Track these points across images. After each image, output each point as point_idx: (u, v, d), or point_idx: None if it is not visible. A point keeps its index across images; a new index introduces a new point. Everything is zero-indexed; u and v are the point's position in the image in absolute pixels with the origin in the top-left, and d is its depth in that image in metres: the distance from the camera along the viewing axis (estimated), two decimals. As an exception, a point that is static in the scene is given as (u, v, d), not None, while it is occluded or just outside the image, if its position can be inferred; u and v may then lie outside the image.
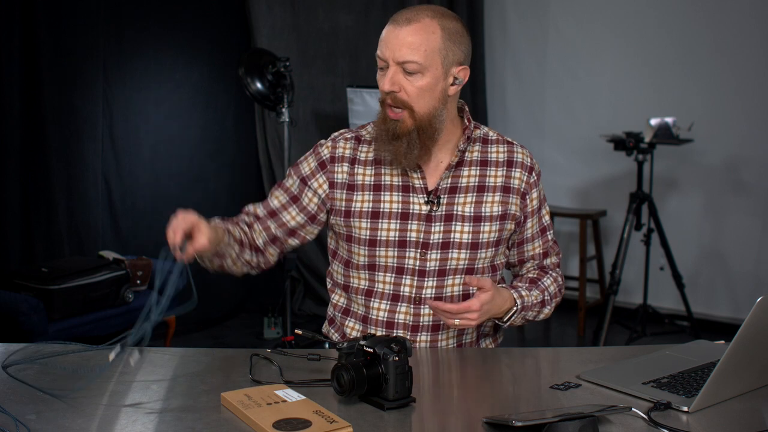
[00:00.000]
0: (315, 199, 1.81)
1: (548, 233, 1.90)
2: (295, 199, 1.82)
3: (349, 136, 1.84)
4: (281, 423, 1.26)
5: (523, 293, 1.79)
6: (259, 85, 4.17)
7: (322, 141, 1.85)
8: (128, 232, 4.34)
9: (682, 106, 4.51)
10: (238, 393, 1.38)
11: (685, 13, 4.62)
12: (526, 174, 1.82)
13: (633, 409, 1.33)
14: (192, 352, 1.66)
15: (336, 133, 1.86)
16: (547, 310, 1.87)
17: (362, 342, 1.41)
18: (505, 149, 1.83)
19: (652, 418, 1.31)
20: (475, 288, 1.68)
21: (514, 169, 1.81)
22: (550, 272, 1.90)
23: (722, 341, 1.75)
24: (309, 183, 1.81)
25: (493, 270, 1.82)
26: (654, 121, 4.13)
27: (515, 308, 1.76)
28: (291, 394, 1.38)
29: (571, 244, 5.16)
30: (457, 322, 1.65)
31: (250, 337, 4.52)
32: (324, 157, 1.81)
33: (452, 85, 1.72)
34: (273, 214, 1.82)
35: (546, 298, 1.85)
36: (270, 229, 1.82)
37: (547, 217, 1.90)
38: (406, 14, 1.68)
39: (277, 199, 1.83)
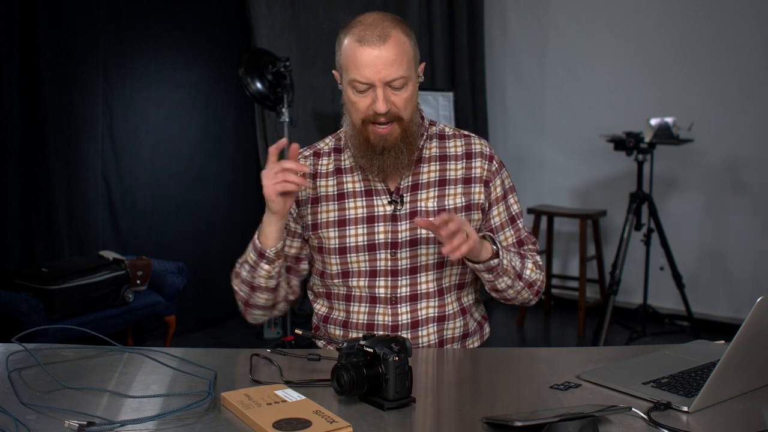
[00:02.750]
0: (293, 222, 1.83)
1: (519, 222, 1.89)
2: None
3: (307, 153, 1.86)
4: (281, 423, 1.26)
5: (503, 252, 1.75)
6: (259, 85, 4.17)
7: None
8: (128, 232, 4.34)
9: (682, 106, 4.51)
10: (238, 393, 1.38)
11: (685, 13, 4.62)
12: (487, 162, 1.84)
13: (633, 409, 1.33)
14: (192, 352, 1.66)
15: None
16: (519, 286, 1.81)
17: (362, 342, 1.41)
18: (463, 142, 1.86)
19: (652, 418, 1.31)
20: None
21: (473, 160, 1.84)
22: (529, 255, 1.86)
23: (722, 341, 1.75)
24: None
25: (463, 263, 1.79)
26: (654, 121, 4.13)
27: (496, 249, 1.72)
28: (291, 394, 1.38)
29: (571, 244, 5.16)
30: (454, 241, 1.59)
31: (250, 337, 4.52)
32: None
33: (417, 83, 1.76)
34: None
35: (526, 275, 1.81)
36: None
37: (516, 207, 1.88)
38: (373, 31, 1.67)
39: None
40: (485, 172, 1.83)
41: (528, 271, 1.82)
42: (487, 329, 1.95)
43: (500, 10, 5.31)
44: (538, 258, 1.88)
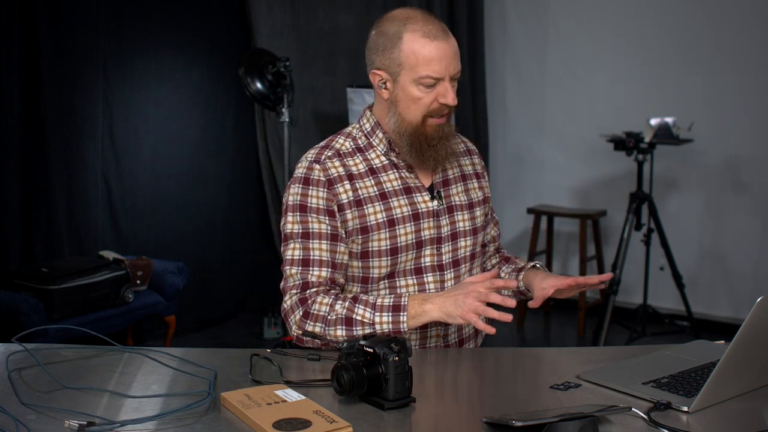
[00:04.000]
0: (341, 227, 1.74)
1: (494, 214, 2.03)
2: (335, 237, 1.73)
3: (330, 154, 1.76)
4: (281, 423, 1.26)
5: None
6: (259, 85, 4.17)
7: (304, 169, 1.75)
8: (128, 232, 4.34)
9: (682, 106, 4.51)
10: (238, 393, 1.38)
11: (685, 13, 4.62)
12: (479, 159, 1.97)
13: (633, 409, 1.33)
14: (192, 352, 1.66)
15: (313, 155, 1.77)
16: None
17: (362, 342, 1.41)
18: (459, 140, 1.94)
19: (652, 418, 1.31)
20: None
21: (472, 157, 1.96)
22: (512, 257, 2.03)
23: (722, 341, 1.75)
24: (333, 210, 1.73)
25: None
26: (654, 121, 4.13)
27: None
28: (291, 394, 1.38)
29: (571, 244, 5.16)
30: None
31: (250, 337, 4.52)
32: (323, 181, 1.73)
33: None
34: (335, 265, 1.73)
35: None
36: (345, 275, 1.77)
37: None
38: (437, 26, 1.70)
39: (319, 250, 1.72)
40: (481, 168, 1.96)
41: None
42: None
43: (500, 10, 5.31)
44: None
